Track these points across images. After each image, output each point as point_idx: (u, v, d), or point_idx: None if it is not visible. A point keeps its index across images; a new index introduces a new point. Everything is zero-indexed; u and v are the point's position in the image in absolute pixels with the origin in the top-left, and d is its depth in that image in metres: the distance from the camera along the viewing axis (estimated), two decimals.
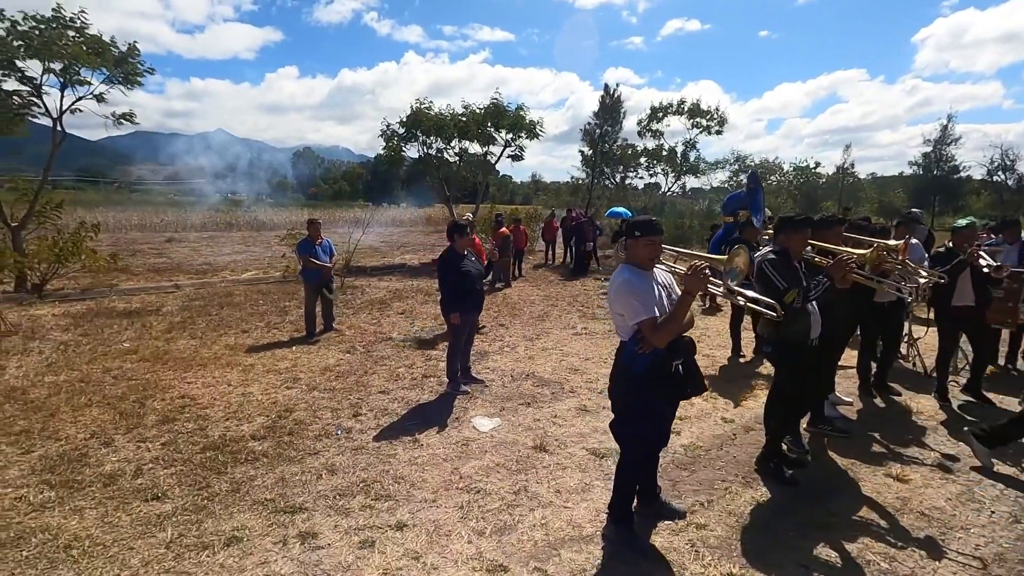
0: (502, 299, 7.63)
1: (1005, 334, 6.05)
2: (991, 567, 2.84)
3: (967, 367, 5.64)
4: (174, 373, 5.85)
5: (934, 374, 5.48)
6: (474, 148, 18.98)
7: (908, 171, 43.35)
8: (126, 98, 11.98)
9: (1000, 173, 38.87)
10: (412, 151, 18.56)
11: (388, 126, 18.20)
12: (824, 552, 2.96)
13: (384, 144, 18.33)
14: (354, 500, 3.42)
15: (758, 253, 3.79)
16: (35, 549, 2.92)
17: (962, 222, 5.16)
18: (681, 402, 3.15)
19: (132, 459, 3.95)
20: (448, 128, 17.69)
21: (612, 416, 3.03)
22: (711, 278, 2.66)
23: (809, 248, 3.80)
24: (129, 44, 11.43)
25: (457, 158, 19.07)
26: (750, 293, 2.95)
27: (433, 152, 18.49)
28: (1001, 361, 6.24)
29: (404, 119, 17.89)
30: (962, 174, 40.46)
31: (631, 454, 3.01)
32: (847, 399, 5.12)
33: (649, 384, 2.77)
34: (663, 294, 2.79)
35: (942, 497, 3.54)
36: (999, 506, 3.43)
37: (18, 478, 3.67)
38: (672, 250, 3.07)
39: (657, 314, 2.68)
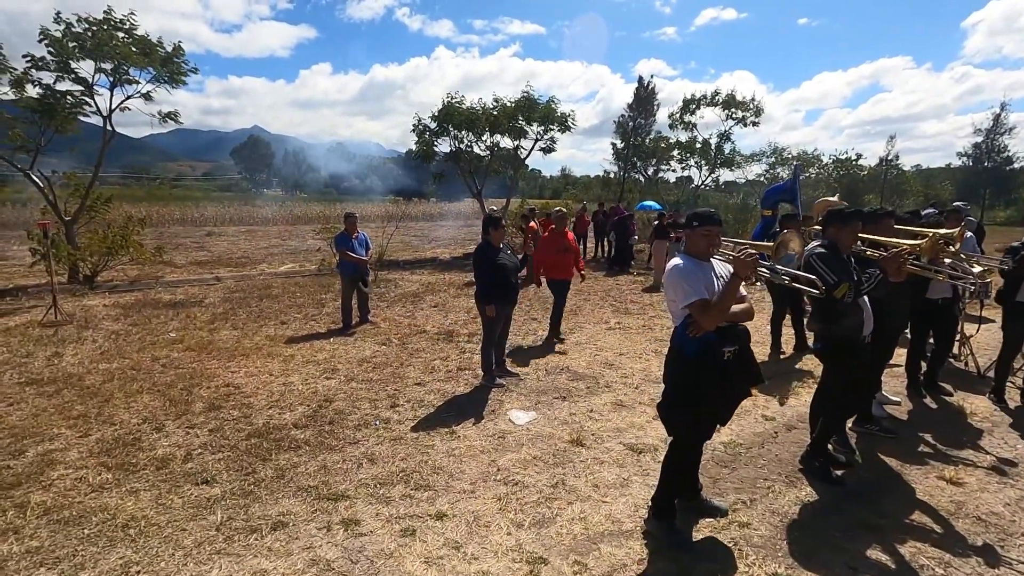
0: (534, 293, 7.65)
1: None
2: None
3: None
4: (218, 362, 6.04)
5: (988, 374, 5.24)
6: (505, 142, 18.96)
7: (956, 163, 41.54)
8: (170, 96, 12.41)
9: None
10: (443, 145, 18.66)
11: (420, 121, 18.33)
12: (874, 554, 2.87)
13: (416, 139, 18.47)
14: (394, 489, 3.48)
15: (806, 247, 3.68)
16: (95, 528, 3.06)
17: None
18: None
19: (182, 444, 4.10)
20: (479, 122, 17.70)
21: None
22: (760, 262, 2.70)
23: (859, 242, 3.67)
24: (175, 44, 11.83)
25: (488, 152, 19.07)
26: (792, 271, 2.94)
27: (464, 146, 18.54)
28: None
29: (435, 114, 17.97)
30: (1015, 165, 38.54)
31: (679, 442, 2.99)
32: (895, 399, 4.94)
33: (700, 368, 2.77)
34: (719, 284, 2.78)
35: (1000, 502, 3.39)
36: None
37: (77, 460, 3.86)
38: (732, 241, 3.08)
39: (707, 296, 2.70)
